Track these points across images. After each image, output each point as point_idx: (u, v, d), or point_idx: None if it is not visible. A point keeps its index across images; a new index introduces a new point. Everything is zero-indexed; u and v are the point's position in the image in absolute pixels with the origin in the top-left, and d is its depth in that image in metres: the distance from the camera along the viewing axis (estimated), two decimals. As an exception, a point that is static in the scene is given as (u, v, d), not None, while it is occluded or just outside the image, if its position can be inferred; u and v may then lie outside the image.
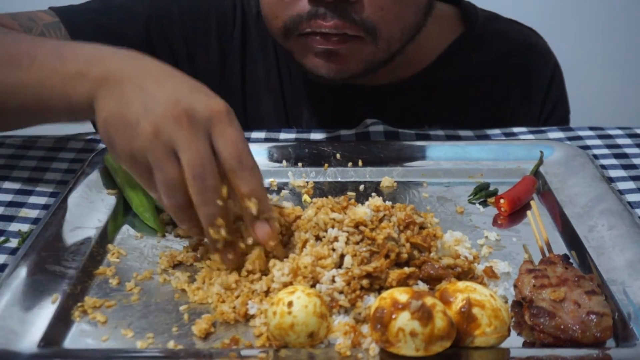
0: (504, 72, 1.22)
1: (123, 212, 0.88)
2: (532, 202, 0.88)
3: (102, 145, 1.05)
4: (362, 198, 0.89)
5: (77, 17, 1.08)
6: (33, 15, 1.05)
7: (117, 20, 1.10)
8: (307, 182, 0.96)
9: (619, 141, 1.08)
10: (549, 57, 1.28)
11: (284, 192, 0.94)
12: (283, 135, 1.11)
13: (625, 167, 1.01)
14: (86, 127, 1.20)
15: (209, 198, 0.70)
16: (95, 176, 0.92)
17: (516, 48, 1.25)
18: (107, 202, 0.88)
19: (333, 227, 0.75)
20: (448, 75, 1.19)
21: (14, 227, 0.87)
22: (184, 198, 0.71)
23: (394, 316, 0.62)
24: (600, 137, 1.09)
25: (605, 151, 1.05)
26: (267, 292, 0.72)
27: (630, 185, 0.96)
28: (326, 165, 0.99)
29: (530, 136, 1.09)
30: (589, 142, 1.08)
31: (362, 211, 0.75)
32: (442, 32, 1.19)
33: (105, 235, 0.83)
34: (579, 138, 1.09)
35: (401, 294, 0.63)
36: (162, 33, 1.13)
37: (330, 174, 0.98)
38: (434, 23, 1.11)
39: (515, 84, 1.24)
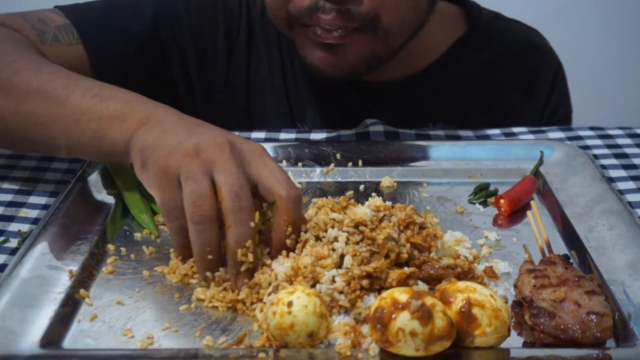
0: (507, 71, 1.23)
1: (123, 212, 0.88)
2: (532, 202, 0.88)
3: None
4: (362, 198, 0.89)
5: (84, 17, 1.06)
6: (43, 16, 1.03)
7: (124, 18, 1.09)
8: (307, 182, 0.96)
9: (619, 141, 1.08)
10: (551, 57, 1.28)
11: (284, 192, 0.94)
12: (283, 135, 1.10)
13: (625, 167, 1.01)
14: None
15: (243, 218, 0.70)
16: (95, 176, 0.92)
17: (519, 47, 1.25)
18: (106, 202, 0.88)
19: (333, 227, 0.74)
20: (451, 73, 1.19)
21: (14, 227, 0.87)
22: (210, 210, 0.70)
23: (394, 316, 0.62)
24: (600, 137, 1.09)
25: (606, 151, 1.05)
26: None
27: (631, 185, 0.96)
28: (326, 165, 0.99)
29: (531, 136, 1.09)
30: (589, 142, 1.07)
31: (362, 211, 0.75)
32: (446, 30, 1.19)
33: (105, 235, 0.83)
34: (579, 138, 1.09)
35: (401, 294, 0.63)
36: (170, 30, 1.12)
37: (330, 174, 0.98)
38: (437, 21, 1.11)
39: (518, 83, 1.24)
